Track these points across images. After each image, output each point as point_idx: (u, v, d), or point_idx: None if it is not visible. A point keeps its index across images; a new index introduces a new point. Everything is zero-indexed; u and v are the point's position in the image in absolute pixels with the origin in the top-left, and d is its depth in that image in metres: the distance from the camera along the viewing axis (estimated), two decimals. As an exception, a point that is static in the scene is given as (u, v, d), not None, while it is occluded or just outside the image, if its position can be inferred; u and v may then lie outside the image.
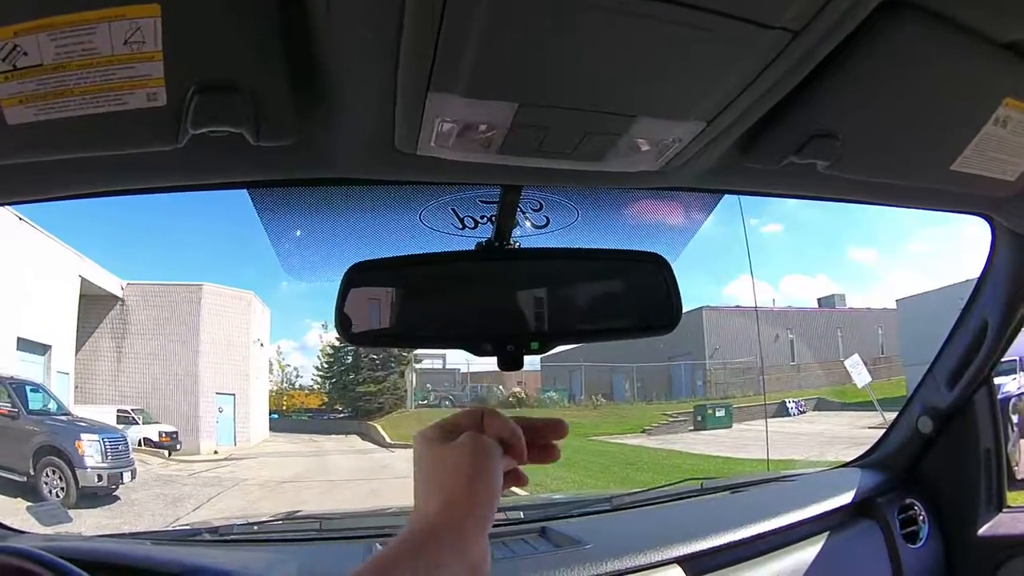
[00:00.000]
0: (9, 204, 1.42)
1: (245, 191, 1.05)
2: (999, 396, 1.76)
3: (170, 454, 14.39)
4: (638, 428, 18.09)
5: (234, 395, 17.68)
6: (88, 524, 7.79)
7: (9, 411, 9.59)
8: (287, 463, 14.81)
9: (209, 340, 16.94)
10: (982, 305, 1.63)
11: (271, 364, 24.78)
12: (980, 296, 1.63)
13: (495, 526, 1.67)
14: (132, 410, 14.97)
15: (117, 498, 9.54)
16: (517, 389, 23.02)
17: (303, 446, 18.63)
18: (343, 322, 0.96)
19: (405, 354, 22.84)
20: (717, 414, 18.41)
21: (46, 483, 9.22)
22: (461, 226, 1.09)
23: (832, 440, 13.15)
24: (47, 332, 13.37)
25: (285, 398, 26.27)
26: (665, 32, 0.64)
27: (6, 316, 11.65)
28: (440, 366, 25.42)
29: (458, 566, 0.63)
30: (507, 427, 0.72)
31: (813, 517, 1.62)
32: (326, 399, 26.13)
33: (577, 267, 1.04)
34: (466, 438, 0.70)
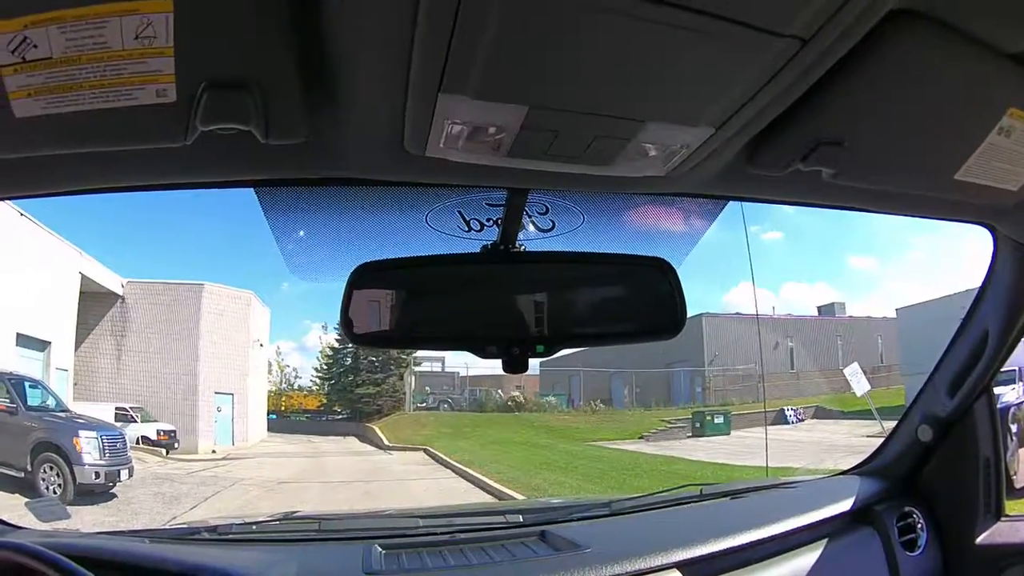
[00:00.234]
0: (13, 198, 1.41)
1: (248, 190, 1.05)
2: (999, 405, 1.76)
3: (168, 452, 14.34)
4: (636, 434, 18.03)
5: (233, 395, 17.64)
6: (85, 521, 7.77)
7: (7, 407, 9.56)
8: (285, 463, 14.76)
9: (209, 339, 16.91)
10: (983, 314, 1.63)
11: (270, 364, 24.76)
12: (981, 305, 1.63)
13: (495, 529, 1.67)
14: (130, 408, 14.93)
15: (114, 496, 9.51)
16: (516, 393, 22.94)
17: (301, 447, 18.58)
18: (347, 323, 0.96)
19: (404, 356, 22.82)
20: (715, 421, 18.36)
21: (43, 479, 9.20)
22: (467, 228, 1.09)
23: (830, 448, 13.11)
24: (47, 328, 13.35)
25: (284, 399, 26.21)
26: (676, 38, 0.64)
27: (6, 312, 11.64)
28: (439, 369, 25.40)
29: None
30: None
31: (812, 524, 1.62)
32: (325, 400, 26.06)
33: (582, 271, 1.04)
34: None
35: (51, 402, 10.69)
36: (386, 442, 18.32)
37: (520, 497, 9.77)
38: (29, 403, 9.96)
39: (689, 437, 17.90)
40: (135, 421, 14.57)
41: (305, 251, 1.21)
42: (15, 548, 1.06)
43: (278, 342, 30.24)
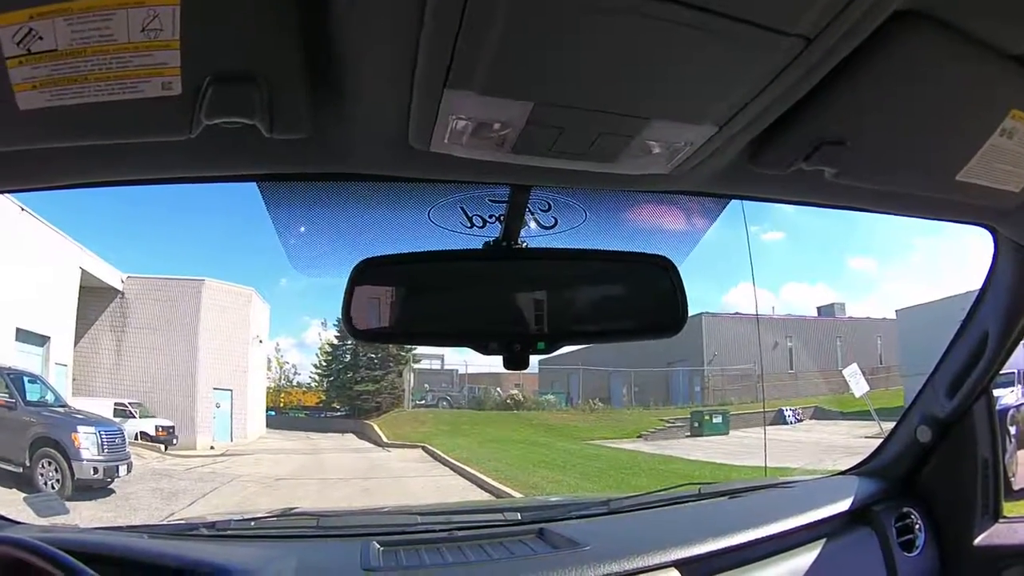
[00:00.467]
0: (17, 191, 1.41)
1: (249, 185, 1.05)
2: (997, 407, 1.76)
3: (166, 448, 14.34)
4: (635, 433, 18.04)
5: (232, 391, 17.64)
6: (84, 516, 7.77)
7: (6, 401, 9.56)
8: (283, 460, 14.76)
9: (208, 335, 16.90)
10: (983, 316, 1.63)
11: (269, 361, 24.72)
12: (981, 307, 1.63)
13: (493, 526, 1.67)
14: (129, 403, 14.93)
15: (112, 491, 9.51)
16: (515, 391, 22.94)
17: (300, 443, 18.58)
18: (349, 318, 0.96)
19: (403, 353, 22.81)
20: (714, 420, 18.37)
21: (42, 475, 9.20)
22: (469, 225, 1.10)
23: (829, 449, 13.12)
24: (47, 323, 13.35)
25: (283, 395, 26.20)
26: (682, 36, 0.64)
27: (6, 306, 11.63)
28: (438, 366, 25.38)
29: None
30: None
31: (810, 524, 1.62)
32: (323, 397, 26.04)
33: (584, 268, 1.04)
34: None
35: (50, 397, 10.69)
36: (384, 439, 18.32)
37: (518, 495, 9.78)
38: (28, 398, 9.95)
39: (687, 436, 17.90)
40: (134, 417, 14.57)
41: (308, 246, 1.21)
42: (14, 543, 1.06)
43: (277, 338, 30.23)
